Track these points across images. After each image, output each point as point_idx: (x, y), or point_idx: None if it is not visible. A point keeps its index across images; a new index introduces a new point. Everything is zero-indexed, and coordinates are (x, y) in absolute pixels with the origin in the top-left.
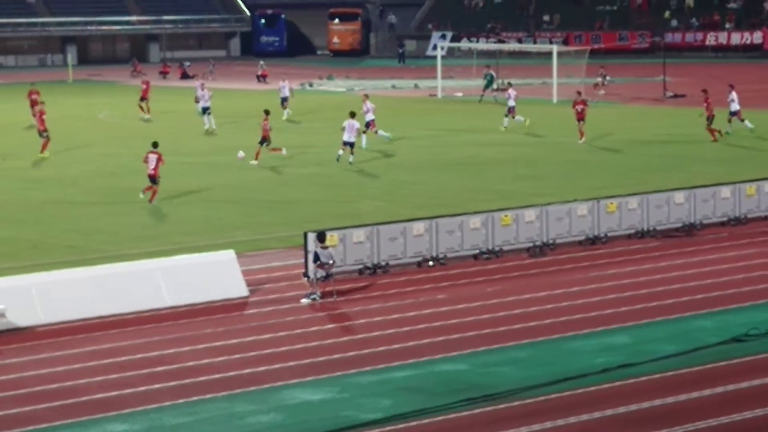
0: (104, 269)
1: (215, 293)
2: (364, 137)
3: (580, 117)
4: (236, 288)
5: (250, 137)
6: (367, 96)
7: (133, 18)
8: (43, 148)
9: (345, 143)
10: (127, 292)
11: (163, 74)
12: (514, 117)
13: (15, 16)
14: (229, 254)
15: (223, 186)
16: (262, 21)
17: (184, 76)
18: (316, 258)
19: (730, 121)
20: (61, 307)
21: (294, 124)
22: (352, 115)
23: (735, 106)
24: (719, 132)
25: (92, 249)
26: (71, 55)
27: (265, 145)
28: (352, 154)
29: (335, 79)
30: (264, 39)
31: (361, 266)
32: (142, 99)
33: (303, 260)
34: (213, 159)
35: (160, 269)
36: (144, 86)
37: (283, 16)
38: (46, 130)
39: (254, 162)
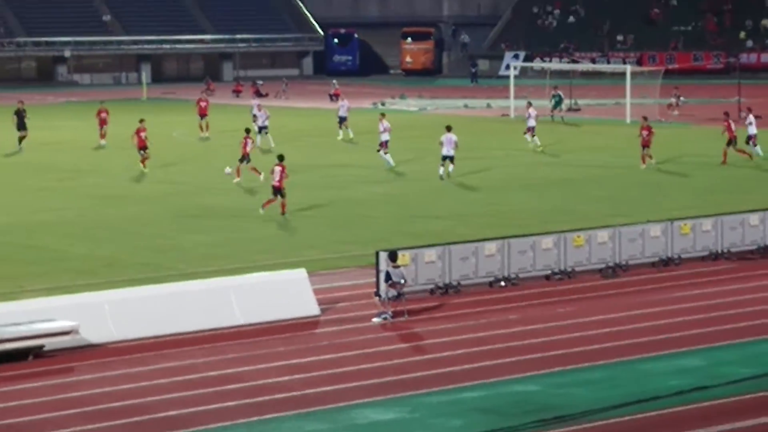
0: (177, 287)
1: (287, 312)
2: (389, 157)
3: (645, 143)
4: (308, 307)
5: (314, 155)
6: (383, 115)
7: (207, 37)
8: (143, 162)
9: (444, 157)
10: (199, 309)
11: (236, 93)
12: (533, 136)
13: (90, 34)
14: (301, 273)
15: (294, 204)
16: (335, 40)
17: (257, 94)
18: (388, 277)
19: (747, 143)
20: (133, 324)
21: (364, 143)
22: (449, 128)
23: (752, 130)
24: (748, 154)
25: (165, 266)
26: (145, 74)
27: (245, 162)
28: (452, 165)
29: (408, 99)
30: (337, 58)
31: (432, 286)
32: (202, 117)
33: (374, 279)
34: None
35: (232, 287)
36: (203, 104)
37: (355, 35)
38: (144, 148)
39: (237, 180)
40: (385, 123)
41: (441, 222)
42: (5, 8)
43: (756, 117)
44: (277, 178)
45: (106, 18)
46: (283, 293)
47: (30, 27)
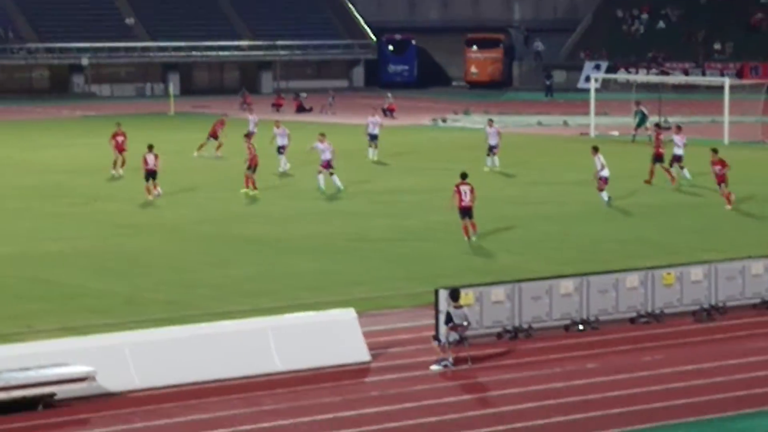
0: (207, 328)
1: (333, 357)
2: (335, 179)
3: (720, 180)
4: (357, 352)
5: (363, 177)
6: (323, 135)
7: (244, 43)
8: (248, 183)
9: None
10: (233, 354)
11: (277, 107)
12: (682, 168)
13: (111, 40)
14: (349, 313)
15: (342, 235)
16: (390, 48)
17: (300, 109)
18: (449, 319)
19: (671, 165)
20: (157, 371)
21: (421, 166)
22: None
23: (678, 150)
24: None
25: (194, 305)
26: (173, 85)
27: (252, 171)
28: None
29: (472, 115)
30: (392, 68)
31: (500, 329)
32: (211, 137)
33: (433, 321)
34: (330, 205)
35: (270, 329)
36: (220, 126)
37: (413, 42)
38: (253, 164)
39: (246, 190)
40: (326, 143)
41: (510, 256)
42: (15, 11)
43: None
44: (468, 198)
45: (130, 21)
46: (329, 336)
47: (42, 32)
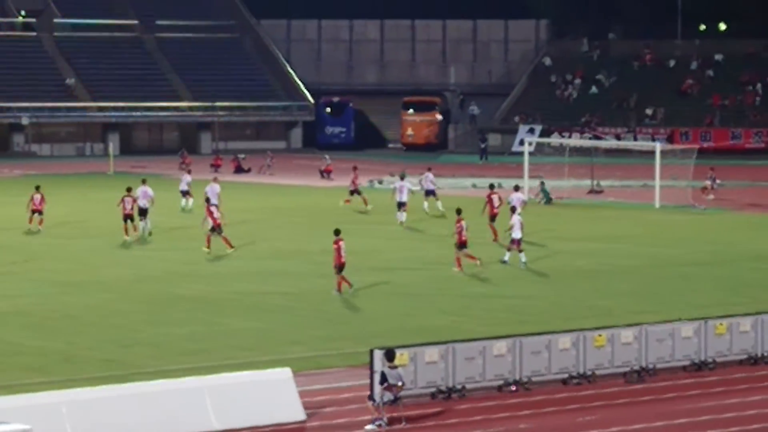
0: (144, 387)
1: (268, 416)
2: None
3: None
4: (292, 411)
5: (300, 238)
6: (144, 181)
7: (183, 104)
8: (228, 244)
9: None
10: (170, 413)
11: (215, 167)
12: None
13: (52, 99)
14: (285, 372)
15: (278, 294)
16: (328, 109)
17: (238, 169)
18: (384, 379)
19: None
20: (94, 429)
21: (351, 225)
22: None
23: (517, 233)
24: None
25: (131, 363)
26: (113, 144)
27: (217, 233)
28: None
29: (408, 177)
30: (329, 130)
31: (434, 389)
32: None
33: (368, 381)
34: (266, 264)
35: (207, 388)
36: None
37: (350, 104)
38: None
39: (206, 250)
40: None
41: (444, 317)
42: None
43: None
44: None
45: (70, 82)
46: (265, 395)
47: None
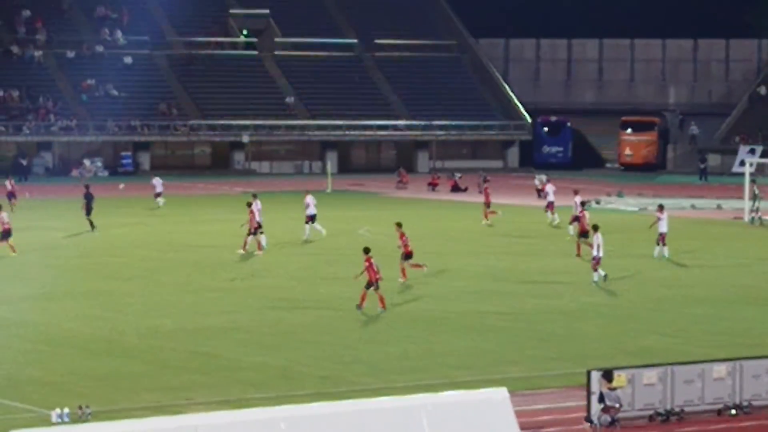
0: (361, 404)
1: None
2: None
3: None
4: (509, 431)
5: (515, 260)
6: (255, 195)
7: (401, 123)
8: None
9: None
10: (384, 431)
11: (432, 186)
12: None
13: (272, 117)
14: (502, 392)
15: (497, 314)
16: (545, 129)
17: (455, 188)
18: (601, 400)
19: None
20: None
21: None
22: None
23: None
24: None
25: (348, 380)
26: (331, 163)
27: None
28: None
29: (625, 197)
30: (546, 149)
31: (651, 412)
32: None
33: (585, 402)
34: (486, 285)
35: (423, 407)
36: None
37: (568, 123)
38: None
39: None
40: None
41: (662, 339)
42: (179, 89)
43: None
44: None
45: (290, 100)
46: (481, 415)
47: (205, 109)
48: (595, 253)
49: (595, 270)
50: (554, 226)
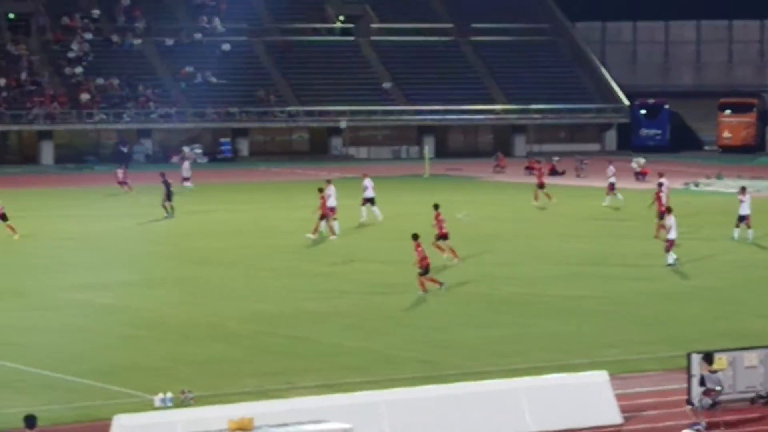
0: (461, 388)
1: (584, 419)
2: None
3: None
4: (609, 414)
5: (611, 243)
6: (329, 181)
7: (498, 107)
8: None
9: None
10: (486, 414)
11: (530, 170)
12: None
13: (369, 103)
14: (602, 375)
15: (594, 298)
16: (643, 112)
17: (553, 172)
18: (702, 383)
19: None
20: (410, 429)
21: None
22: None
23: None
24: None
25: (448, 364)
26: (428, 147)
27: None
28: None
29: (725, 179)
30: (644, 132)
31: (753, 394)
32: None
33: (686, 385)
34: (583, 269)
35: (523, 390)
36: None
37: (666, 106)
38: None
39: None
40: (332, 188)
41: (763, 321)
42: (277, 75)
43: None
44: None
45: (387, 86)
46: (581, 398)
47: (303, 95)
48: (668, 235)
49: (667, 251)
50: (614, 208)
